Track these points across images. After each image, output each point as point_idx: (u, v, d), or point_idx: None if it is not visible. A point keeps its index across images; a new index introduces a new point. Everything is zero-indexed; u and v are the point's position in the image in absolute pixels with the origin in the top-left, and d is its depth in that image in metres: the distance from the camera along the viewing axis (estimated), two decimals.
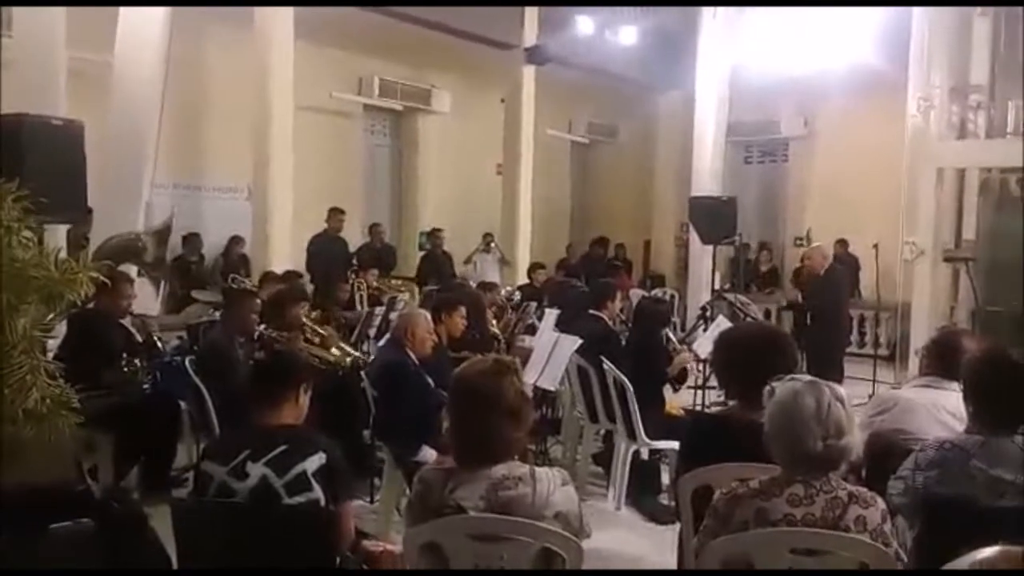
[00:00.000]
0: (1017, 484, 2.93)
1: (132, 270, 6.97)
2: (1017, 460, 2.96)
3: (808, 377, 2.62)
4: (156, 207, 8.45)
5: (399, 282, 10.54)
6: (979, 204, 10.36)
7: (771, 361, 3.00)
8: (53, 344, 4.42)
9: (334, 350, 6.27)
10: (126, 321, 6.02)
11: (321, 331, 6.41)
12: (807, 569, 2.46)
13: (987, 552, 1.25)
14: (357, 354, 6.42)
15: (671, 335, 6.73)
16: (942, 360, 3.91)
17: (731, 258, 13.60)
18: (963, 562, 1.25)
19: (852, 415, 2.53)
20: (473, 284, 9.47)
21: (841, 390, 2.55)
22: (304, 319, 6.34)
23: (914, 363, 8.65)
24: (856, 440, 2.52)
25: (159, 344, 6.18)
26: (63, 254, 3.45)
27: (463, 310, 6.02)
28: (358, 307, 8.66)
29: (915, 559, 2.92)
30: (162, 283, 7.79)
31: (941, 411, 3.72)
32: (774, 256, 14.79)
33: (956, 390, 3.43)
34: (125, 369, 5.61)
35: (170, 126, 9.21)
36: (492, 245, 12.57)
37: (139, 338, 5.97)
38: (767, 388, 2.61)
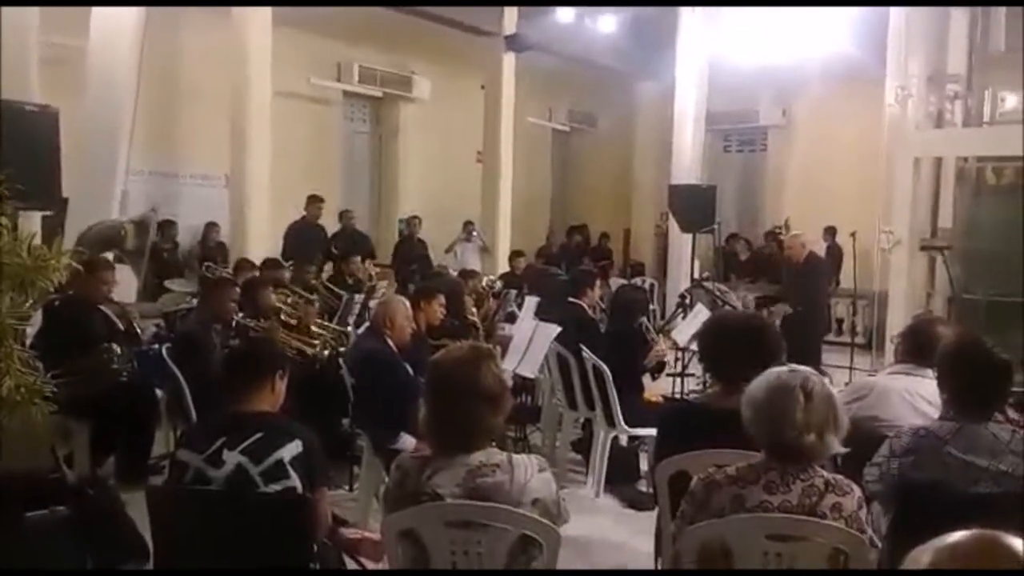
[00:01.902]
0: (991, 470, 2.95)
1: (111, 256, 6.90)
2: (990, 446, 2.98)
3: (794, 365, 2.61)
4: (132, 194, 8.38)
5: (378, 269, 10.50)
6: (955, 193, 10.42)
7: (757, 350, 3.01)
8: (32, 332, 4.38)
9: (313, 328, 6.26)
10: (106, 308, 5.95)
11: (298, 312, 6.39)
12: (783, 566, 2.47)
13: (958, 535, 1.25)
14: (337, 328, 6.40)
15: (648, 323, 6.75)
16: (917, 347, 3.94)
17: (716, 247, 13.58)
18: (934, 545, 1.25)
19: (836, 408, 2.51)
20: (454, 272, 9.45)
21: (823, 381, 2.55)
22: (281, 304, 6.32)
23: (890, 351, 8.70)
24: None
25: (140, 332, 6.13)
26: (37, 241, 3.42)
27: (442, 298, 5.99)
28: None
29: (890, 545, 2.94)
30: (143, 271, 7.73)
31: (916, 398, 3.75)
32: (753, 245, 14.82)
33: (931, 377, 3.45)
34: (105, 356, 5.56)
35: (146, 112, 9.13)
36: (474, 233, 12.54)
37: (120, 325, 5.92)
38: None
